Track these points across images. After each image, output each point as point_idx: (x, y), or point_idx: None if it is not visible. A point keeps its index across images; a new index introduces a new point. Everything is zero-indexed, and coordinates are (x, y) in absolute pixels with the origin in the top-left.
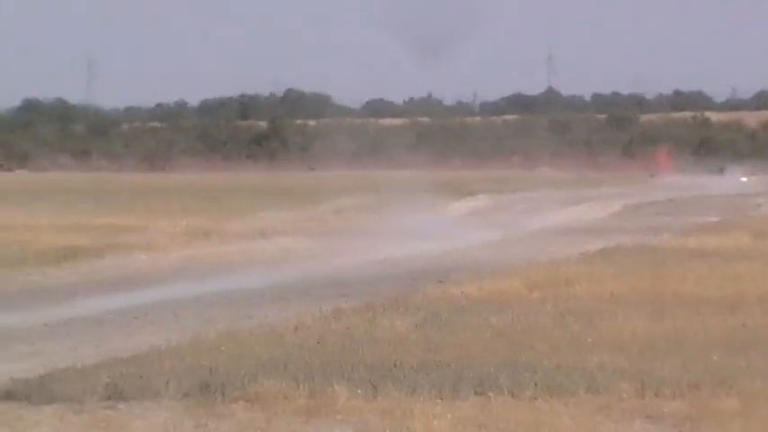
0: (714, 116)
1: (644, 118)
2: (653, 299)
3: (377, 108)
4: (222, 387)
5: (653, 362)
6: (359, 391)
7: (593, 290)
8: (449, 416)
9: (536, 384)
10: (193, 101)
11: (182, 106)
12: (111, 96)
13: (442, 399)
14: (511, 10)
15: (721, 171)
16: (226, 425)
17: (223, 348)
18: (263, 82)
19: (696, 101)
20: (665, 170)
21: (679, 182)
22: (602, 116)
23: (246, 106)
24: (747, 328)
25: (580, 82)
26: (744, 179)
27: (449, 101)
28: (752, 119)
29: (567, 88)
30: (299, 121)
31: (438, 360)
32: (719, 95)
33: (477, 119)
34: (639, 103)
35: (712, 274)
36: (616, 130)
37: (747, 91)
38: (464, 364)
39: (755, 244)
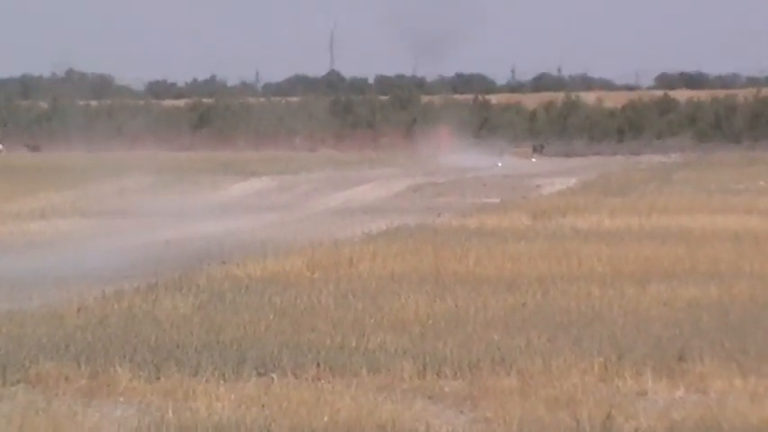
0: (495, 98)
1: (425, 99)
2: (434, 278)
3: (159, 89)
4: (2, 369)
5: (434, 341)
6: (141, 373)
7: (375, 270)
8: (231, 396)
9: (318, 364)
10: None
11: None
12: None
13: (224, 380)
14: None
15: (501, 152)
16: (6, 407)
17: (3, 330)
18: (45, 62)
19: (477, 83)
20: (446, 151)
21: (460, 163)
22: (385, 98)
23: (27, 86)
24: (526, 307)
25: (364, 64)
26: (499, 164)
27: (232, 82)
28: (531, 100)
29: (350, 70)
30: (81, 102)
31: (221, 341)
32: (500, 78)
33: (261, 100)
34: (421, 84)
35: (492, 254)
36: (398, 111)
37: (526, 73)
38: (247, 344)
39: (534, 224)
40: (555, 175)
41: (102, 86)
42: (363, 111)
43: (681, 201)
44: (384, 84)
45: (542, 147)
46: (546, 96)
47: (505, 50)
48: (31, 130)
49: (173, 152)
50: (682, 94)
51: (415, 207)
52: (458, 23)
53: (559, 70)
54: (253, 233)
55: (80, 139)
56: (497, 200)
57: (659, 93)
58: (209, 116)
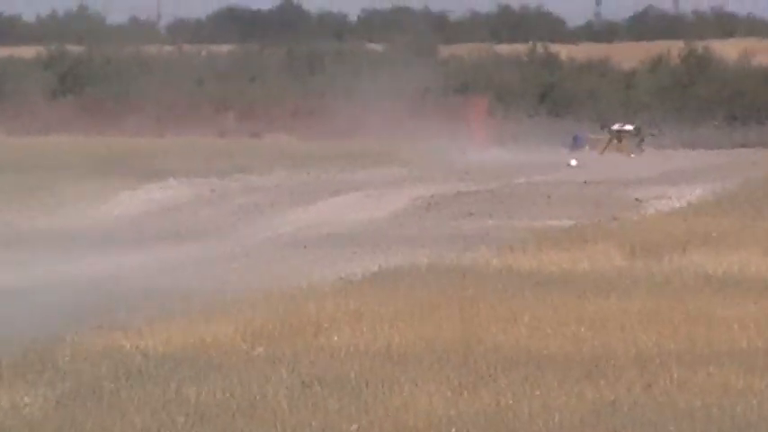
0: (565, 49)
1: (447, 49)
2: (461, 358)
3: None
4: None
5: None
6: None
7: (360, 342)
8: None
9: None
10: None
11: None
12: None
13: None
14: None
15: (576, 142)
16: None
17: None
18: None
19: (538, 24)
20: (482, 138)
21: (505, 158)
22: (377, 45)
23: None
24: (617, 407)
25: None
26: (573, 161)
27: (116, 18)
28: (628, 52)
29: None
30: None
31: None
32: (576, 16)
33: (166, 48)
34: (440, 23)
35: (560, 317)
36: (402, 68)
37: (619, 8)
38: None
39: (632, 266)
40: (668, 182)
41: None
42: (341, 69)
43: None
44: (373, 21)
45: (646, 135)
46: (653, 47)
47: None
48: None
49: (18, 137)
50: None
51: (429, 234)
52: None
53: (676, 1)
54: (152, 278)
55: None
56: (569, 223)
57: None
58: (78, 75)
